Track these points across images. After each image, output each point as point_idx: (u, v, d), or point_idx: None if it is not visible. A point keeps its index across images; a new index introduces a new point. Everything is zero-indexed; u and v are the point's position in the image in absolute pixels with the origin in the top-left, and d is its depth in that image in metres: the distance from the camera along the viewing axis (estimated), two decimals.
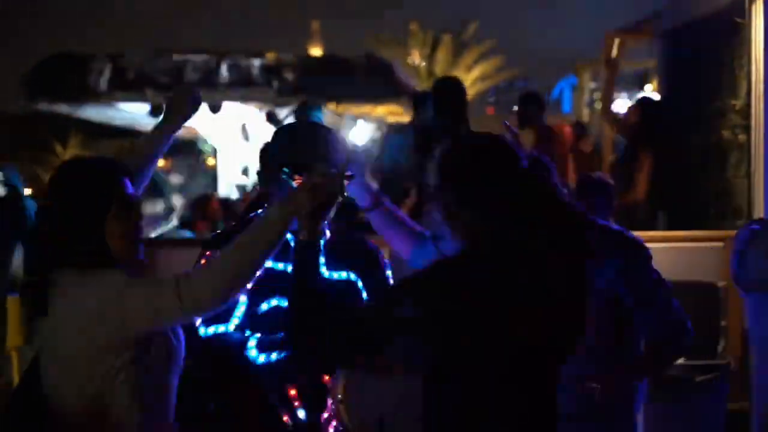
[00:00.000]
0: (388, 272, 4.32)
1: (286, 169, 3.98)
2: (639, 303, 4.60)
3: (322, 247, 3.52)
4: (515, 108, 10.91)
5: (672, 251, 7.58)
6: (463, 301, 3.25)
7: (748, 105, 8.64)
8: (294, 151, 4.07)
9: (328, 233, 4.15)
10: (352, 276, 4.19)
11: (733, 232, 6.48)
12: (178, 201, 19.77)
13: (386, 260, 4.34)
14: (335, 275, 4.14)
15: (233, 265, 3.48)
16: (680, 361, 6.26)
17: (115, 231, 3.57)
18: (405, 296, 3.30)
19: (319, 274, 3.46)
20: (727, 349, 7.00)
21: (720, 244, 7.90)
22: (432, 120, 9.62)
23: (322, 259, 3.83)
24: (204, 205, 15.61)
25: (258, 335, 4.05)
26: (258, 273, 3.53)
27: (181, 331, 3.69)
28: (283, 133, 4.23)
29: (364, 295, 4.18)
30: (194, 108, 4.38)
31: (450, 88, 9.47)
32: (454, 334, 3.25)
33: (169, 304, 3.41)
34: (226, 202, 17.43)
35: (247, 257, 3.50)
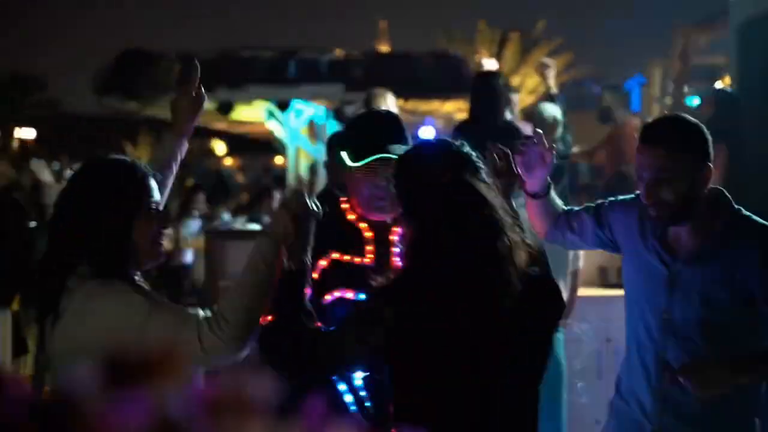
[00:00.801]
0: None
1: (343, 153, 3.99)
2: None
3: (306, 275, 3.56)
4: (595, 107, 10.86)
5: None
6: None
7: None
8: (354, 136, 4.08)
9: (366, 261, 4.12)
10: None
11: None
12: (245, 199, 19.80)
13: None
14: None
15: (246, 310, 3.46)
16: None
17: (142, 234, 3.54)
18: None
19: (302, 302, 3.52)
20: None
21: None
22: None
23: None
24: (263, 200, 15.71)
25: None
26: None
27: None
28: (349, 121, 4.28)
29: None
30: (199, 107, 4.33)
31: (481, 81, 9.57)
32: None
33: (190, 345, 3.35)
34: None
35: (254, 298, 3.49)
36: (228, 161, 44.00)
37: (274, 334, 3.53)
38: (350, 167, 4.01)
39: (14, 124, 61.12)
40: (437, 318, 3.41)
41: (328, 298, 3.98)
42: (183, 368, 0.92)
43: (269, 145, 27.10)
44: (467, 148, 3.63)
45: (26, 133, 59.92)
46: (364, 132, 4.06)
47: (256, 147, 33.20)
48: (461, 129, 8.95)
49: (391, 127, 4.07)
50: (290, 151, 21.32)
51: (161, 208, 3.67)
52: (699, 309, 4.42)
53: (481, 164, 3.59)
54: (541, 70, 10.76)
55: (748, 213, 4.48)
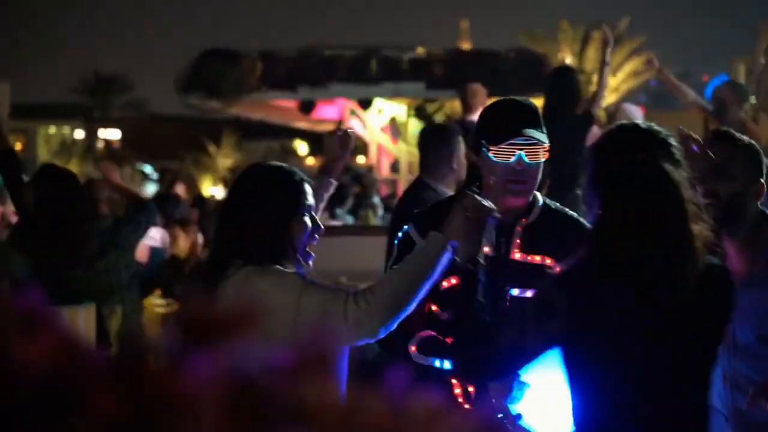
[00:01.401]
0: None
1: (483, 141, 3.99)
2: None
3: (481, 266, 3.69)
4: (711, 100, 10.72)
5: None
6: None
7: None
8: (491, 121, 4.10)
9: (541, 203, 4.14)
10: (547, 261, 4.08)
11: None
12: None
13: None
14: (528, 258, 4.06)
15: (396, 295, 3.58)
16: None
17: (297, 235, 3.74)
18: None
19: (478, 298, 3.65)
20: None
21: None
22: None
23: (517, 241, 4.00)
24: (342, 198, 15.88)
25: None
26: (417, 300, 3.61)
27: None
28: (486, 108, 4.33)
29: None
30: (347, 147, 4.57)
31: (556, 76, 9.71)
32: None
33: (336, 317, 3.52)
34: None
35: (408, 288, 3.59)
36: (310, 161, 44.23)
37: (455, 328, 3.68)
38: (486, 152, 4.00)
39: (100, 125, 61.96)
40: (615, 302, 3.42)
41: (445, 284, 3.98)
42: (258, 328, 0.89)
43: None
44: (665, 132, 3.69)
45: (111, 134, 60.65)
46: (502, 116, 4.07)
47: None
48: None
49: (529, 112, 4.09)
50: (372, 150, 21.38)
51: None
52: (757, 329, 4.40)
53: (677, 149, 3.62)
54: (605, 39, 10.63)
55: None
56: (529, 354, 3.64)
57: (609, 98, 28.48)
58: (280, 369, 0.87)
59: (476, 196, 3.66)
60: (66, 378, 0.81)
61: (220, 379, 0.83)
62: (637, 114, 10.16)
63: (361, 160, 31.75)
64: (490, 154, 3.98)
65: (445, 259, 3.60)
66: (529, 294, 3.95)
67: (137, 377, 0.82)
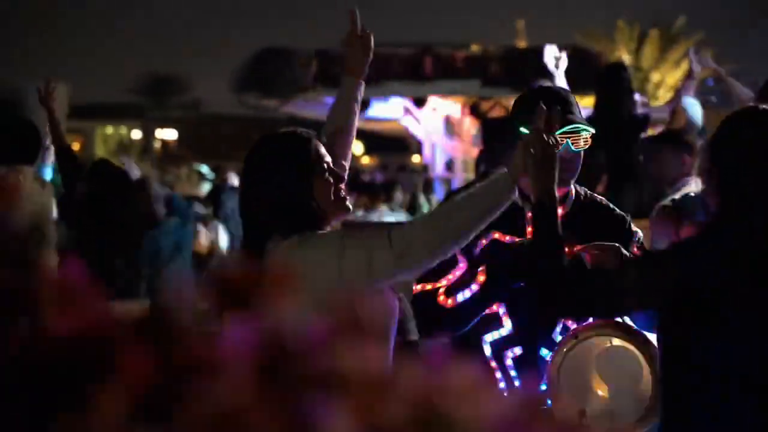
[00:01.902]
0: (637, 246, 4.21)
1: (522, 130, 3.97)
2: None
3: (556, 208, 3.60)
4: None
5: None
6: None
7: None
8: (531, 111, 4.07)
9: (574, 192, 4.14)
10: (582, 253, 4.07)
11: None
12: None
13: (635, 230, 4.27)
14: (567, 248, 4.04)
15: (452, 222, 3.49)
16: None
17: (323, 192, 3.70)
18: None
19: (560, 233, 3.57)
20: None
21: None
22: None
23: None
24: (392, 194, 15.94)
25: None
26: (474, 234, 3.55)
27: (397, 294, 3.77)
28: (524, 96, 4.28)
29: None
30: (369, 47, 4.37)
31: (608, 73, 9.58)
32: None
33: (382, 255, 3.45)
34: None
35: (465, 219, 3.50)
36: (365, 160, 44.28)
37: (537, 263, 3.62)
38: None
39: (156, 125, 62.44)
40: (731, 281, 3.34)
41: (483, 241, 3.96)
42: (296, 293, 0.88)
43: (405, 143, 27.19)
44: None
45: (168, 134, 61.10)
46: (545, 104, 4.05)
47: (392, 145, 33.35)
48: (588, 121, 8.88)
49: (568, 100, 4.07)
50: (426, 148, 21.35)
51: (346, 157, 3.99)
52: None
53: None
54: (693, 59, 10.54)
55: None
56: (626, 306, 3.62)
57: (666, 96, 28.25)
58: (317, 335, 0.86)
59: (542, 132, 3.60)
60: (97, 340, 0.81)
61: (254, 343, 0.82)
62: (696, 108, 10.04)
63: (416, 159, 31.75)
64: None
65: (509, 198, 3.52)
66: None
67: (168, 338, 0.82)
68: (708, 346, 3.36)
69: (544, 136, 3.58)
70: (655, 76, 42.60)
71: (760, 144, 3.46)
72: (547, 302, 3.75)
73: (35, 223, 6.49)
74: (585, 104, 23.18)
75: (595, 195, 4.31)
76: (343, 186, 3.79)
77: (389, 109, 20.47)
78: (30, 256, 0.88)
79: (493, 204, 3.51)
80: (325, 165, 3.74)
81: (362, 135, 37.72)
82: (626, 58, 42.31)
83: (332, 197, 3.72)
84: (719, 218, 3.46)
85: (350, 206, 3.83)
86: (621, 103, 9.05)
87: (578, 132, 4.00)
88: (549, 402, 3.81)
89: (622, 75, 9.49)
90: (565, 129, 3.94)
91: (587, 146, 4.03)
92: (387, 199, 16.09)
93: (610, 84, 9.22)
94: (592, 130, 4.03)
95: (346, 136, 4.34)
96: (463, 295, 3.98)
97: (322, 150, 3.78)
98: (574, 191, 4.15)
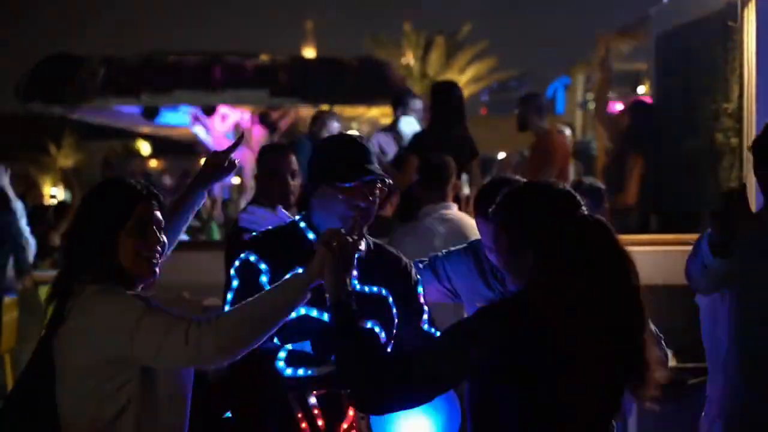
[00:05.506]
0: (420, 288, 4.47)
1: (328, 180, 4.11)
2: None
3: (353, 304, 3.62)
4: (516, 111, 10.87)
5: (663, 255, 7.60)
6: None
7: (740, 108, 8.62)
8: (336, 158, 4.19)
9: (362, 246, 4.25)
10: (383, 291, 4.29)
11: None
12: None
13: (417, 274, 4.50)
14: (366, 289, 4.24)
15: (243, 328, 3.60)
16: (672, 363, 6.30)
17: (126, 248, 3.72)
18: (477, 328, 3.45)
19: (356, 328, 3.60)
20: None
21: None
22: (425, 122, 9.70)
23: (354, 273, 4.09)
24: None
25: (288, 347, 4.12)
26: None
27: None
28: (326, 145, 4.40)
29: (393, 310, 4.30)
30: (227, 175, 4.72)
31: (446, 90, 9.59)
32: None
33: (173, 349, 3.53)
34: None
35: (258, 322, 3.62)
36: (153, 163, 43.72)
37: (351, 362, 3.54)
38: (333, 187, 4.09)
39: None
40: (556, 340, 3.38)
41: (293, 315, 4.00)
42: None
43: (193, 148, 27.01)
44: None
45: None
46: (347, 155, 4.16)
47: (181, 148, 33.04)
48: (420, 139, 8.94)
49: (367, 148, 4.23)
50: None
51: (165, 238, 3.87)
52: None
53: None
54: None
55: None
56: (444, 382, 3.54)
57: None
58: None
59: (341, 231, 3.71)
60: None
61: None
62: (413, 126, 10.21)
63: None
64: (339, 195, 4.11)
65: (303, 300, 3.65)
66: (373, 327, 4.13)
67: None
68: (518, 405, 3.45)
69: (346, 238, 3.68)
70: None
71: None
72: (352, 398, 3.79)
73: None
74: (373, 115, 23.35)
75: (381, 242, 4.50)
76: (157, 250, 3.79)
77: (179, 117, 20.32)
78: None
79: (287, 306, 3.64)
80: (142, 225, 3.75)
81: (151, 138, 37.28)
82: (413, 63, 42.94)
83: (135, 258, 3.73)
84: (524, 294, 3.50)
85: (156, 271, 3.80)
86: (454, 124, 9.07)
87: (375, 182, 4.15)
88: None
89: (455, 95, 9.55)
90: (367, 179, 4.11)
91: (382, 196, 4.21)
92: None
93: (443, 104, 9.32)
94: (390, 181, 4.22)
95: (176, 231, 4.57)
96: None
97: (154, 213, 3.80)
98: (366, 239, 4.31)
